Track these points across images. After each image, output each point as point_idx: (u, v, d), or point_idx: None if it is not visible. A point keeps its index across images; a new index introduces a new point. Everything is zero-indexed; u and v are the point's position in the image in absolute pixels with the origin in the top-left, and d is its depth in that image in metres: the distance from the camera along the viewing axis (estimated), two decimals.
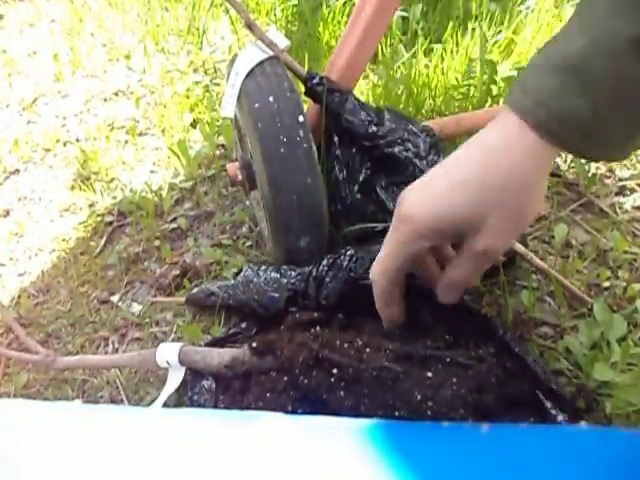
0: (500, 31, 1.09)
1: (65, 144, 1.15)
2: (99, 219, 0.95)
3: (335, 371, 0.49)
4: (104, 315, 0.78)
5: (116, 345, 0.73)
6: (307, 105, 0.73)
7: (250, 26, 0.67)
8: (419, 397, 0.46)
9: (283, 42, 0.67)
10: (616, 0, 0.35)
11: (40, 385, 0.70)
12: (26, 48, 1.50)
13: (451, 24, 1.08)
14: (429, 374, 0.48)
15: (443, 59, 1.03)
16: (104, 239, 0.91)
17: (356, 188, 0.71)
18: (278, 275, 0.65)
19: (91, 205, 0.99)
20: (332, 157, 0.71)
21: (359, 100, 0.70)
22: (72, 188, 1.03)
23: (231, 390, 0.57)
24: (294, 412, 0.50)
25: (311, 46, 1.17)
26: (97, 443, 0.21)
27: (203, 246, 0.83)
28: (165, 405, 0.60)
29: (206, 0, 1.42)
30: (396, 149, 0.67)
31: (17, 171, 1.11)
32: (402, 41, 1.13)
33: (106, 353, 0.72)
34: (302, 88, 0.71)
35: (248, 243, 0.83)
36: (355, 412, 0.47)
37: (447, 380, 0.47)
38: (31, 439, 0.21)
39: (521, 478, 0.18)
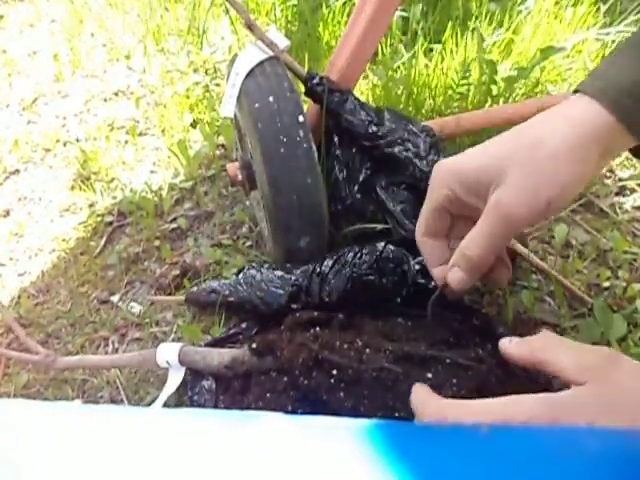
0: (499, 31, 1.09)
1: (65, 144, 1.15)
2: (99, 219, 0.95)
3: (335, 372, 0.49)
4: (104, 315, 0.78)
5: (116, 345, 0.73)
6: (307, 105, 0.73)
7: (250, 26, 0.67)
8: None
9: (283, 42, 0.67)
10: None
11: (40, 385, 0.70)
12: (26, 48, 1.50)
13: (451, 24, 1.08)
14: (429, 375, 0.48)
15: (443, 59, 1.03)
16: (104, 239, 0.91)
17: (356, 188, 0.71)
18: (281, 272, 0.65)
19: (91, 205, 0.99)
20: (332, 157, 0.72)
21: (359, 100, 0.70)
22: (72, 188, 1.03)
23: (231, 390, 0.57)
24: (294, 412, 0.50)
25: (311, 46, 1.17)
26: (97, 443, 0.21)
27: (203, 246, 0.83)
28: (165, 405, 0.60)
29: (206, 0, 1.42)
30: (396, 149, 0.67)
31: (17, 171, 1.11)
32: (402, 41, 1.13)
33: (106, 353, 0.72)
34: (302, 88, 0.71)
35: (248, 243, 0.83)
36: (355, 413, 0.47)
37: (447, 381, 0.47)
38: (31, 439, 0.21)
39: (521, 478, 0.18)
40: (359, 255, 0.62)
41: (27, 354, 0.63)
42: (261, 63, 0.65)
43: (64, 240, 0.93)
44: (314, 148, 0.63)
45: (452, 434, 0.21)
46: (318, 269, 0.63)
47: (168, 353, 0.59)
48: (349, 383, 0.48)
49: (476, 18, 1.14)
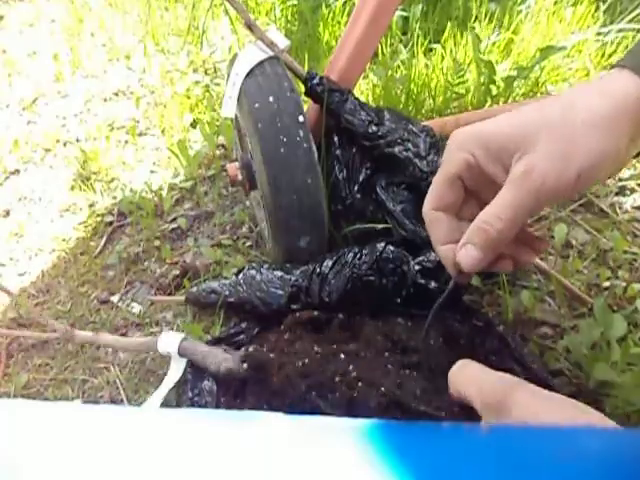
0: (499, 30, 1.09)
1: (65, 144, 1.15)
2: (99, 219, 0.95)
3: (323, 405, 0.48)
4: (104, 315, 0.78)
5: None
6: (307, 105, 0.73)
7: (250, 26, 0.67)
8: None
9: (283, 42, 0.67)
10: None
11: (40, 385, 0.70)
12: (26, 48, 1.50)
13: (451, 24, 1.08)
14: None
15: (443, 59, 1.03)
16: (104, 239, 0.91)
17: (356, 188, 0.71)
18: (281, 272, 0.65)
19: (91, 205, 0.99)
20: (332, 157, 0.71)
21: (359, 100, 0.70)
22: (72, 188, 1.03)
23: (231, 392, 0.57)
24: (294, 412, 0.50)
25: (311, 46, 1.17)
26: (97, 443, 0.21)
27: (203, 246, 0.83)
28: (165, 405, 0.60)
29: (206, 0, 1.42)
30: (396, 149, 0.67)
31: (17, 171, 1.11)
32: (402, 41, 1.13)
33: (106, 354, 0.72)
34: (302, 88, 0.71)
35: (248, 243, 0.83)
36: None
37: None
38: (31, 439, 0.21)
39: (521, 478, 0.18)
40: (359, 255, 0.62)
41: (46, 333, 0.65)
42: (261, 63, 0.65)
43: (64, 240, 0.93)
44: (314, 148, 0.63)
45: (452, 434, 0.21)
46: (318, 269, 0.63)
47: (169, 344, 0.59)
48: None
49: (476, 18, 1.14)
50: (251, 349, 0.55)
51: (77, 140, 1.15)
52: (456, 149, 0.38)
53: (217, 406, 0.56)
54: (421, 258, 0.62)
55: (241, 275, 0.68)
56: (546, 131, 0.34)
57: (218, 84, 1.20)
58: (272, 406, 0.52)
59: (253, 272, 0.67)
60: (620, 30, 1.05)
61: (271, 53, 0.66)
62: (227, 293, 0.67)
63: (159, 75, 1.26)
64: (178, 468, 0.19)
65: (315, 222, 0.65)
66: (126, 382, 0.67)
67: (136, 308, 0.77)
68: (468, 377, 0.36)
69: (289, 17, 1.31)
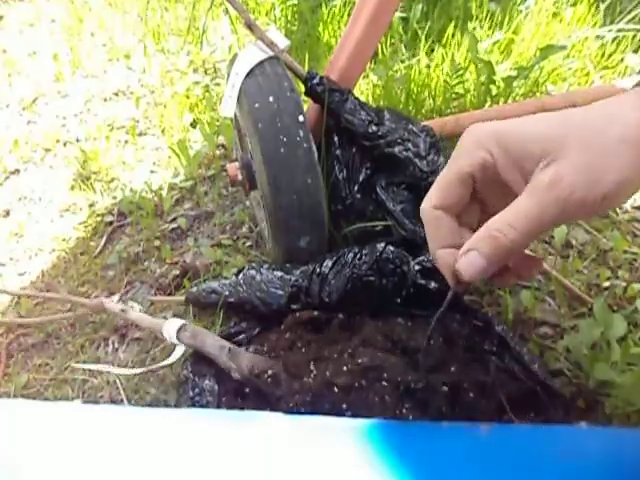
0: (500, 30, 1.09)
1: (65, 144, 1.15)
2: (99, 219, 0.95)
3: None
4: (104, 315, 0.77)
5: (116, 345, 0.73)
6: (307, 105, 0.73)
7: (250, 26, 0.67)
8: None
9: (283, 42, 0.67)
10: None
11: (40, 385, 0.70)
12: (26, 48, 1.50)
13: (451, 24, 1.08)
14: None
15: (443, 59, 1.03)
16: (104, 239, 0.91)
17: (356, 188, 0.71)
18: (281, 273, 0.65)
19: (91, 205, 0.99)
20: (332, 157, 0.71)
21: (359, 100, 0.70)
22: (72, 188, 1.03)
23: (232, 391, 0.57)
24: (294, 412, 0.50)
25: (311, 46, 1.17)
26: (97, 443, 0.21)
27: (203, 246, 0.83)
28: (165, 405, 0.60)
29: (206, 0, 1.42)
30: (396, 149, 0.67)
31: (17, 171, 1.11)
32: (402, 41, 1.13)
33: (106, 353, 0.72)
34: (302, 88, 0.71)
35: (248, 243, 0.83)
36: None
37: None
38: (31, 439, 0.21)
39: (521, 478, 0.18)
40: (359, 255, 0.62)
41: (82, 299, 0.74)
42: (261, 63, 0.64)
43: (64, 240, 0.93)
44: (314, 148, 0.63)
45: (452, 434, 0.21)
46: (318, 269, 0.63)
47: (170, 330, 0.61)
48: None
49: (476, 18, 1.14)
50: (255, 363, 0.55)
51: (77, 140, 1.15)
52: (473, 145, 0.35)
53: (218, 406, 0.56)
54: (421, 258, 0.62)
55: (241, 275, 0.68)
56: (579, 140, 0.32)
57: (218, 84, 1.20)
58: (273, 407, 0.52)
59: (253, 272, 0.67)
60: (620, 30, 1.05)
61: (271, 53, 0.66)
62: (227, 293, 0.67)
63: (159, 75, 1.26)
64: (178, 468, 0.19)
65: (315, 222, 0.65)
66: (126, 382, 0.67)
67: (136, 308, 0.77)
68: None
69: (289, 17, 1.31)
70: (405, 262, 0.61)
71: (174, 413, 0.22)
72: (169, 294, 0.78)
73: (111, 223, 0.94)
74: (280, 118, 0.61)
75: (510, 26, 1.09)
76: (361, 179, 0.70)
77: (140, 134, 1.14)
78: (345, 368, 0.51)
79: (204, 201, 0.93)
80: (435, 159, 0.67)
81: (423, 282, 0.61)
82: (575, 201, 0.31)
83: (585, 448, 0.20)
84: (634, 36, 1.04)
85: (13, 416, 0.22)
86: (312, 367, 0.53)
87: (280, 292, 0.64)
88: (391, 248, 0.62)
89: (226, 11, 1.33)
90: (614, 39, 1.05)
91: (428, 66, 1.02)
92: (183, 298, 0.73)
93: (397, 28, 1.13)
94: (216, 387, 0.58)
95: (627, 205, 0.79)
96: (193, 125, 1.10)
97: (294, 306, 0.63)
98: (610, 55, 1.04)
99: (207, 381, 0.58)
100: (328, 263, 0.63)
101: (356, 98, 0.70)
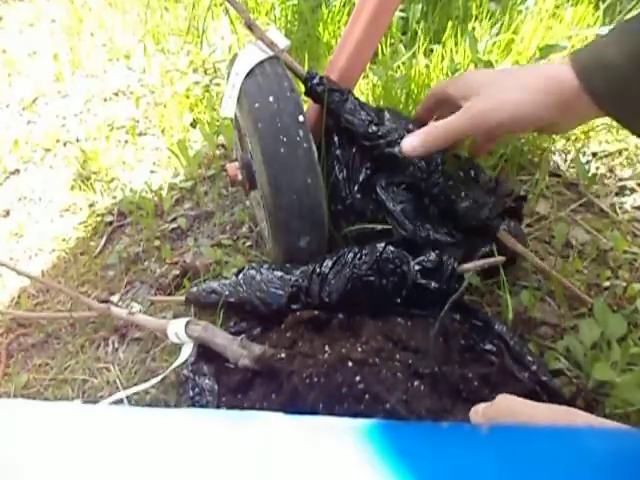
0: (499, 30, 1.09)
1: (65, 144, 1.15)
2: (99, 219, 0.95)
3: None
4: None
5: (116, 345, 0.73)
6: (307, 105, 0.73)
7: (250, 26, 0.67)
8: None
9: (283, 42, 0.67)
10: None
11: (40, 385, 0.70)
12: (26, 48, 1.50)
13: (451, 24, 1.08)
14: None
15: (443, 59, 1.03)
16: (104, 239, 0.91)
17: (356, 188, 0.71)
18: (281, 272, 0.65)
19: (91, 205, 0.99)
20: (332, 157, 0.71)
21: (359, 100, 0.70)
22: (72, 188, 1.03)
23: (232, 390, 0.57)
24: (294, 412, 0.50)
25: (311, 46, 1.17)
26: (97, 443, 0.21)
27: (203, 246, 0.83)
28: (165, 405, 0.60)
29: (206, 0, 1.42)
30: (396, 149, 0.67)
31: (17, 171, 1.11)
32: (402, 41, 1.13)
33: (106, 354, 0.72)
34: (302, 88, 0.71)
35: (248, 243, 0.83)
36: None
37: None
38: (31, 439, 0.21)
39: (521, 478, 0.18)
40: (359, 255, 0.62)
41: (90, 300, 0.75)
42: (261, 63, 0.64)
43: (64, 240, 0.93)
44: (314, 148, 0.63)
45: (452, 434, 0.21)
46: (318, 269, 0.63)
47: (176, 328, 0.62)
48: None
49: (476, 18, 1.14)
50: (266, 349, 0.56)
51: (77, 140, 1.15)
52: (443, 84, 0.61)
53: (218, 406, 0.56)
54: (421, 258, 0.62)
55: (241, 275, 0.68)
56: (494, 86, 0.52)
57: (218, 84, 1.20)
58: (275, 404, 0.52)
59: (253, 272, 0.67)
60: None
61: (271, 53, 0.66)
62: (227, 293, 0.67)
63: (159, 75, 1.26)
64: (178, 468, 0.19)
65: (315, 222, 0.65)
66: (126, 382, 0.67)
67: (136, 308, 0.77)
68: (510, 410, 0.37)
69: (289, 17, 1.30)
70: (405, 262, 0.61)
71: (174, 413, 0.22)
72: (169, 294, 0.78)
73: (111, 223, 0.94)
74: (280, 118, 0.61)
75: (510, 26, 1.09)
76: (361, 179, 0.70)
77: (140, 134, 1.14)
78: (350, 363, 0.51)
79: (204, 201, 0.93)
80: (435, 159, 0.67)
81: (423, 282, 0.61)
82: (480, 121, 0.52)
83: (585, 448, 0.20)
84: None
85: (13, 416, 0.22)
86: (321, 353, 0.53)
87: (280, 292, 0.64)
88: (391, 248, 0.62)
89: (226, 11, 1.33)
90: None
91: (428, 66, 1.02)
92: (183, 298, 0.73)
93: (397, 28, 1.13)
94: (216, 387, 0.58)
95: (627, 205, 0.79)
96: (193, 125, 1.10)
97: (294, 306, 0.63)
98: None
99: (207, 381, 0.58)
100: (328, 263, 0.63)
101: (356, 98, 0.70)
